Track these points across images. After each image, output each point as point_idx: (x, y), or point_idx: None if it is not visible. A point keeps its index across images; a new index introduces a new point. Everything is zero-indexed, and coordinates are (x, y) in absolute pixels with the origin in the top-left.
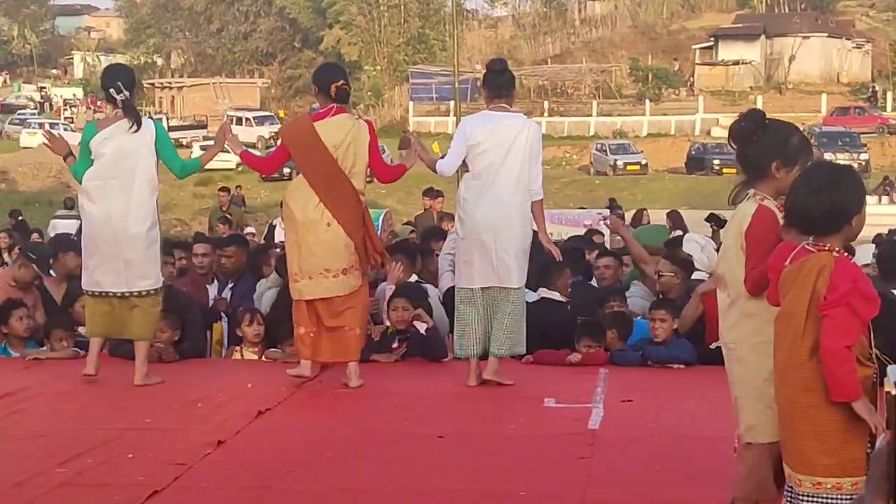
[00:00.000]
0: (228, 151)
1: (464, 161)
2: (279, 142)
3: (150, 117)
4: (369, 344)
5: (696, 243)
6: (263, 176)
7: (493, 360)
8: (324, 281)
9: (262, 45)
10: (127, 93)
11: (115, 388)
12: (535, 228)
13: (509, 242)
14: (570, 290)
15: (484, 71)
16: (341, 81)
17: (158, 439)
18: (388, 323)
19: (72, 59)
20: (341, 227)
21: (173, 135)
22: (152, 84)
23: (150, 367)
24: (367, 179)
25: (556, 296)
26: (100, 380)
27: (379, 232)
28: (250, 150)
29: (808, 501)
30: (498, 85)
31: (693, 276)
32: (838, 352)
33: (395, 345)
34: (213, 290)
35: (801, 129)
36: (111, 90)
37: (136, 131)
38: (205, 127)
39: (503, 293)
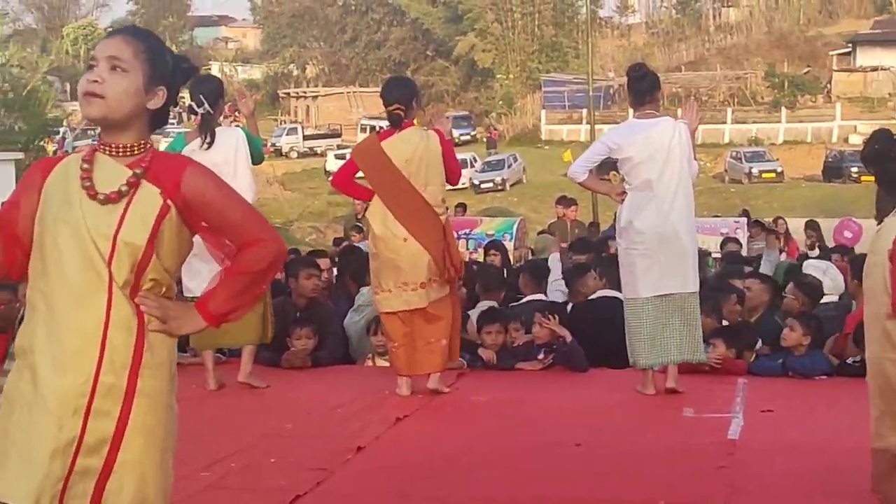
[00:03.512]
0: None
1: (618, 169)
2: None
3: (238, 125)
4: (514, 352)
5: (816, 268)
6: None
7: (673, 368)
8: (403, 294)
9: (395, 54)
10: (207, 106)
11: (255, 394)
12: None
13: (676, 248)
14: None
15: (615, 78)
16: (394, 106)
17: (299, 444)
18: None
19: (209, 69)
20: (417, 242)
21: (308, 143)
22: (287, 94)
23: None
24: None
25: None
26: (239, 386)
27: (513, 241)
28: None
29: None
30: (640, 91)
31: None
32: None
33: (541, 355)
34: None
35: None
36: (193, 104)
37: (206, 149)
38: (339, 135)
39: (675, 299)
